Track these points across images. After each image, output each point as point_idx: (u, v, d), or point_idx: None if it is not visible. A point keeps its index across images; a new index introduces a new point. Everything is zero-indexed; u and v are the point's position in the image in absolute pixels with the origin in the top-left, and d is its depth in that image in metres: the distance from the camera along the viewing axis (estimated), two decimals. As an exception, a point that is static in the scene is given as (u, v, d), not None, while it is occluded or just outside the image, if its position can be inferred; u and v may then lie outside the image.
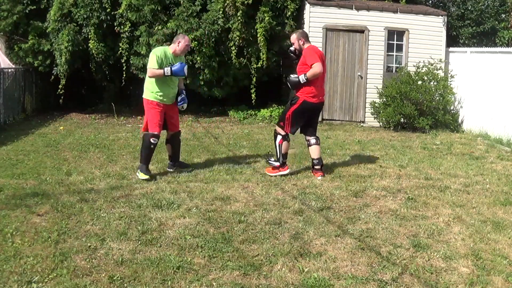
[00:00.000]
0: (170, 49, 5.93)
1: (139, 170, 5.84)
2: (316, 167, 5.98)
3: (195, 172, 6.11)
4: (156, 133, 5.89)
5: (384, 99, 10.48)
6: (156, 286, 3.19)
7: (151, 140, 5.87)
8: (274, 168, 6.02)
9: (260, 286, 3.23)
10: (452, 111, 10.78)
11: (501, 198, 5.26)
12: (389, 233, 4.18)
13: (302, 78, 5.70)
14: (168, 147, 6.36)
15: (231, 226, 4.26)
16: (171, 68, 5.71)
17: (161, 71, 5.73)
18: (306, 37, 5.94)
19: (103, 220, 4.31)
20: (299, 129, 6.04)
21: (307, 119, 5.95)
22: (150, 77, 5.85)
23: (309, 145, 6.01)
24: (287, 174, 5.97)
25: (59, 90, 10.79)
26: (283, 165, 6.00)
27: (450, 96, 10.40)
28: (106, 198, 4.95)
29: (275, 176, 5.92)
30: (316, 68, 5.59)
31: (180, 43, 5.89)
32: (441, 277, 3.39)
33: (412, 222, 4.46)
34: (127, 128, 9.96)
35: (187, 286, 3.19)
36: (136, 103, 12.39)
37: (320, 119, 10.96)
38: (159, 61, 5.75)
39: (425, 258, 3.69)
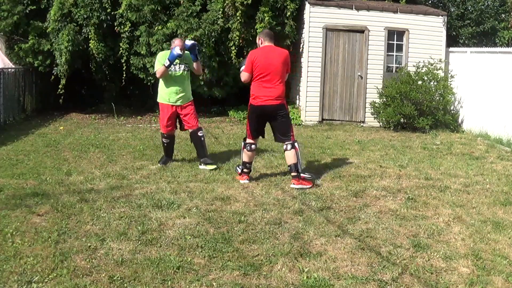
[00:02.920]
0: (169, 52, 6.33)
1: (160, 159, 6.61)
2: (292, 174, 5.58)
3: (195, 172, 6.11)
4: (164, 133, 6.51)
5: (384, 99, 10.48)
6: (156, 286, 3.19)
7: (163, 140, 6.60)
8: (238, 174, 5.85)
9: (260, 286, 3.23)
10: (452, 111, 10.78)
11: (501, 198, 5.26)
12: (389, 233, 4.18)
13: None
14: (193, 145, 6.67)
15: (231, 226, 4.26)
16: (168, 59, 6.11)
17: (162, 67, 6.18)
18: (265, 37, 5.66)
19: (103, 220, 4.31)
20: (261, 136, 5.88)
21: (261, 123, 5.72)
22: (158, 77, 6.37)
23: (283, 151, 5.73)
24: (243, 184, 5.60)
25: (59, 90, 10.78)
26: (242, 173, 5.74)
27: (450, 96, 10.40)
28: (106, 198, 4.95)
29: (240, 182, 5.67)
30: (241, 75, 5.69)
31: (172, 48, 6.24)
32: (441, 277, 3.39)
33: (412, 222, 4.46)
34: (127, 128, 9.96)
35: (187, 286, 3.19)
36: (136, 103, 12.43)
37: (320, 119, 10.99)
38: (162, 61, 6.22)
39: (425, 258, 3.69)
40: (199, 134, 6.44)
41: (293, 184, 5.53)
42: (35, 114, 11.39)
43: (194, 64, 6.42)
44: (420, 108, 10.01)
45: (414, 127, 10.09)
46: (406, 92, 9.98)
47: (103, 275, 3.30)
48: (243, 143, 5.81)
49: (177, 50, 6.07)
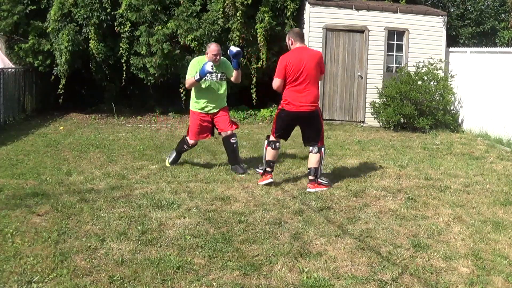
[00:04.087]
0: (205, 58, 6.04)
1: (168, 157, 6.43)
2: (310, 177, 5.43)
3: (195, 172, 6.11)
4: (191, 142, 6.23)
5: (384, 99, 10.48)
6: (156, 286, 3.19)
7: (184, 146, 6.30)
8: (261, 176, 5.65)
9: (260, 286, 3.23)
10: (452, 111, 10.78)
11: (501, 198, 5.26)
12: (389, 233, 4.18)
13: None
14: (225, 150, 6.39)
15: (231, 226, 4.26)
16: (198, 73, 5.79)
17: (192, 78, 5.89)
18: (296, 37, 5.38)
19: (103, 220, 4.31)
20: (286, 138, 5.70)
21: (290, 127, 5.57)
22: (187, 88, 6.16)
23: (309, 152, 5.56)
24: (268, 184, 5.47)
25: (59, 90, 10.79)
26: (265, 173, 5.55)
27: (450, 96, 10.40)
28: (106, 198, 4.95)
29: (262, 184, 5.50)
30: (273, 83, 5.39)
31: (207, 53, 5.98)
32: (441, 277, 3.39)
33: (412, 222, 4.46)
34: (127, 128, 9.96)
35: (187, 286, 3.19)
36: (136, 103, 12.43)
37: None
38: (195, 70, 5.91)
39: (425, 258, 3.69)
40: (232, 140, 6.12)
41: (309, 188, 5.35)
42: (35, 114, 11.40)
43: (234, 73, 6.11)
44: (420, 108, 10.01)
45: (414, 127, 10.09)
46: (406, 92, 9.98)
47: (103, 275, 3.30)
48: (266, 141, 5.62)
49: (208, 67, 5.69)
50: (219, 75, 6.06)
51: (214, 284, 3.23)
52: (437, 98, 10.30)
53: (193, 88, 6.10)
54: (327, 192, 5.32)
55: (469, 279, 3.35)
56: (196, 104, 6.11)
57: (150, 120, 11.23)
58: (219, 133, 6.28)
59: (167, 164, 6.34)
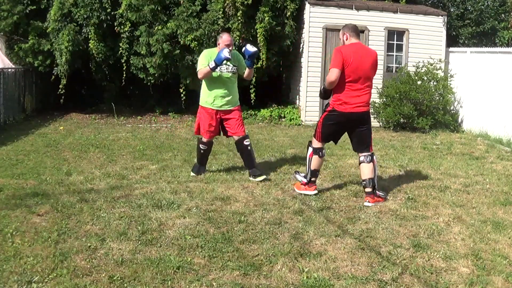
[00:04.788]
0: (216, 49, 5.77)
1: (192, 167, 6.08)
2: (367, 190, 4.97)
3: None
4: (204, 140, 5.91)
5: (384, 99, 10.49)
6: (156, 286, 3.18)
7: (200, 146, 5.96)
8: (300, 185, 5.26)
9: (260, 286, 3.23)
10: (452, 111, 10.78)
11: (501, 198, 5.26)
12: (389, 233, 4.18)
13: (323, 86, 5.06)
14: (239, 156, 6.09)
15: (231, 226, 4.26)
16: (214, 61, 5.49)
17: (207, 67, 5.56)
18: (352, 32, 4.94)
19: (103, 220, 4.31)
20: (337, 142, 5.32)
21: (340, 131, 5.16)
22: (200, 78, 5.77)
23: (359, 162, 5.11)
24: (312, 195, 5.12)
25: (59, 90, 10.79)
26: (310, 183, 5.17)
27: (450, 96, 10.41)
28: (106, 198, 4.95)
29: (300, 193, 5.17)
30: (330, 74, 4.82)
31: (219, 44, 5.75)
32: (441, 277, 3.39)
33: (412, 222, 4.46)
34: (127, 128, 9.96)
35: (187, 286, 3.19)
36: (136, 103, 12.43)
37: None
38: (206, 60, 5.62)
39: (425, 258, 3.69)
40: (245, 143, 5.82)
41: (368, 202, 4.89)
42: (35, 114, 11.40)
43: (247, 70, 5.84)
44: (420, 108, 10.02)
45: (414, 127, 10.09)
46: (405, 92, 9.98)
47: (103, 275, 3.30)
48: (311, 149, 5.14)
49: (225, 53, 5.41)
50: (230, 66, 5.76)
51: (214, 284, 3.23)
52: (437, 98, 10.31)
53: (204, 83, 5.81)
54: (327, 192, 5.32)
55: (469, 279, 3.35)
56: (207, 99, 5.77)
57: (150, 120, 11.23)
58: (228, 136, 6.05)
59: (192, 174, 5.96)
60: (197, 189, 5.36)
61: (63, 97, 10.89)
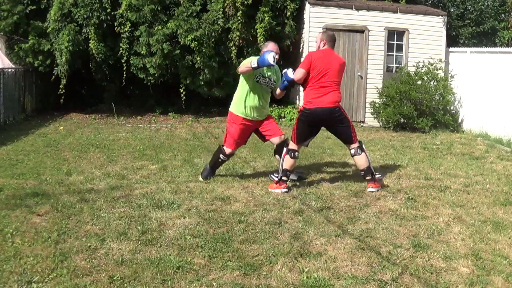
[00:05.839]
0: None
1: (203, 171, 5.80)
2: (367, 178, 5.38)
3: (195, 172, 6.10)
4: (229, 151, 5.65)
5: (384, 99, 10.49)
6: (156, 286, 3.18)
7: (221, 156, 5.67)
8: (272, 184, 5.46)
9: (260, 286, 3.23)
10: (452, 111, 10.79)
11: (501, 198, 5.26)
12: (389, 233, 4.18)
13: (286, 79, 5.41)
14: (278, 158, 5.74)
15: (231, 226, 4.26)
16: (257, 60, 5.19)
17: (248, 64, 5.27)
18: (328, 40, 5.37)
19: (103, 220, 4.31)
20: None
21: (312, 130, 5.44)
22: (239, 72, 5.47)
23: (351, 155, 5.48)
24: (281, 193, 5.24)
25: (60, 90, 10.79)
26: (280, 181, 5.35)
27: (450, 96, 10.41)
28: (106, 198, 4.95)
29: (273, 192, 5.29)
30: (296, 74, 5.29)
31: (264, 52, 5.37)
32: (441, 277, 3.39)
33: (412, 222, 4.46)
34: (127, 128, 9.96)
35: (187, 286, 3.19)
36: (136, 103, 12.43)
37: (320, 119, 10.98)
38: (250, 62, 5.35)
39: (425, 258, 3.69)
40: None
41: (371, 187, 5.33)
42: (35, 114, 11.40)
43: (278, 90, 5.63)
44: (420, 108, 10.02)
45: (414, 127, 10.09)
46: (406, 92, 9.99)
47: (103, 275, 3.29)
48: (285, 149, 5.39)
49: (270, 58, 5.08)
50: (271, 82, 5.57)
51: (214, 284, 3.23)
52: (437, 98, 10.31)
53: (241, 90, 5.55)
54: (327, 192, 5.32)
55: (469, 279, 3.35)
56: (241, 108, 5.52)
57: (150, 120, 11.23)
58: (266, 141, 5.84)
59: (200, 179, 5.74)
60: (197, 189, 5.36)
61: (63, 97, 10.90)
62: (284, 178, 5.35)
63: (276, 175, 5.50)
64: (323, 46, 5.39)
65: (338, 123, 5.41)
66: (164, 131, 9.60)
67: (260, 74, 5.47)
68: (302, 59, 10.86)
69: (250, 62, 5.26)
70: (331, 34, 5.49)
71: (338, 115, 5.36)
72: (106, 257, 3.57)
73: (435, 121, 10.08)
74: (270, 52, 5.17)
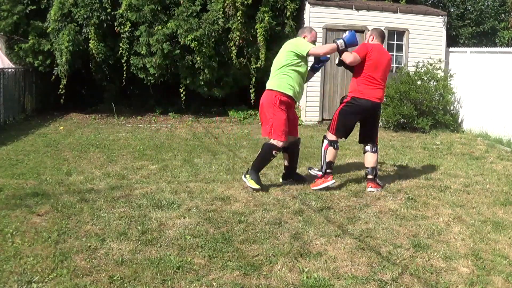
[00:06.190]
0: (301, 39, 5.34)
1: (249, 177, 5.23)
2: (369, 176, 5.45)
3: (195, 172, 6.11)
4: (282, 143, 5.19)
5: (384, 99, 10.48)
6: (156, 286, 3.18)
7: (274, 153, 5.25)
8: (317, 180, 5.39)
9: (260, 286, 3.23)
10: (452, 111, 10.78)
11: (501, 198, 5.26)
12: (389, 233, 4.18)
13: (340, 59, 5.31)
14: (286, 156, 5.57)
15: (231, 226, 4.26)
16: (343, 39, 5.11)
17: (333, 44, 5.13)
18: (378, 35, 5.43)
19: (103, 220, 4.31)
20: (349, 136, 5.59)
21: (354, 122, 5.47)
22: (322, 54, 5.25)
23: (363, 152, 5.60)
24: (332, 186, 5.35)
25: (60, 90, 10.80)
26: (326, 174, 5.35)
27: (450, 96, 10.41)
28: (106, 198, 4.95)
29: (319, 189, 5.29)
30: (349, 57, 5.17)
31: (306, 37, 5.33)
32: (441, 277, 3.39)
33: (412, 222, 4.46)
34: (127, 128, 9.96)
35: (187, 286, 3.19)
36: (136, 103, 12.43)
37: (320, 119, 10.99)
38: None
39: (425, 258, 3.69)
40: (299, 146, 5.66)
41: (371, 187, 5.38)
42: (35, 114, 11.40)
43: (311, 73, 5.55)
44: (420, 108, 10.02)
45: (414, 127, 10.09)
46: (405, 92, 9.98)
47: (103, 275, 3.29)
48: (326, 141, 5.36)
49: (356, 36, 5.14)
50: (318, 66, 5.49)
51: (214, 284, 3.23)
52: (437, 98, 10.31)
53: (293, 71, 5.15)
54: (327, 192, 5.32)
55: (469, 279, 3.35)
56: (293, 88, 5.16)
57: (150, 120, 11.23)
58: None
59: (256, 186, 5.20)
60: (197, 189, 5.36)
61: (63, 97, 10.90)
62: (329, 170, 5.37)
63: (317, 170, 5.47)
64: (372, 41, 5.45)
65: (375, 120, 5.58)
66: (164, 131, 9.60)
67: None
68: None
69: (335, 43, 5.13)
70: (380, 30, 5.57)
71: (378, 112, 5.59)
72: (106, 257, 3.57)
73: (435, 121, 10.08)
74: (354, 32, 5.25)
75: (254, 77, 11.01)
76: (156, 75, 10.84)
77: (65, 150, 7.49)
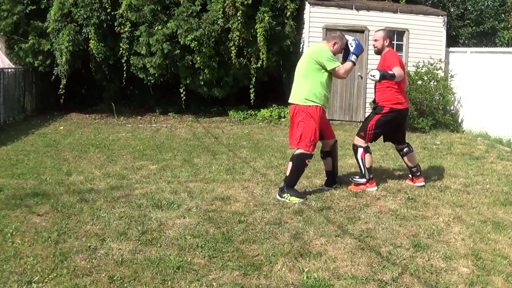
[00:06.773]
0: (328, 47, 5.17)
1: (288, 196, 4.96)
2: (417, 173, 5.67)
3: (195, 172, 6.11)
4: (312, 153, 5.07)
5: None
6: (156, 286, 3.18)
7: (306, 162, 5.07)
8: (359, 185, 5.45)
9: (260, 286, 3.23)
10: (452, 111, 10.78)
11: (501, 198, 5.26)
12: (389, 233, 4.18)
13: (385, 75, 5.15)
14: (327, 162, 5.46)
15: (231, 226, 4.26)
16: (353, 53, 5.07)
17: (349, 63, 5.08)
18: (391, 39, 5.61)
19: (103, 220, 4.31)
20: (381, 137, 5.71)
21: (391, 128, 5.54)
22: (345, 77, 5.16)
23: (403, 154, 5.67)
24: (375, 190, 5.41)
25: (59, 90, 10.80)
26: (370, 180, 5.47)
27: (450, 96, 10.40)
28: (106, 198, 4.95)
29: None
30: (398, 72, 5.22)
31: (337, 44, 5.18)
32: (441, 277, 3.39)
33: (412, 222, 4.46)
34: (127, 128, 9.96)
35: (187, 286, 3.19)
36: (136, 103, 12.43)
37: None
38: (334, 58, 5.06)
39: (425, 258, 3.69)
40: (337, 149, 5.55)
41: (422, 182, 5.66)
42: (35, 114, 11.40)
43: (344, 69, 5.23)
44: (420, 108, 10.01)
45: (414, 127, 10.08)
46: (406, 92, 9.97)
47: (103, 275, 3.30)
48: (362, 149, 5.43)
49: (359, 42, 5.13)
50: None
51: (214, 284, 3.23)
52: (437, 98, 10.30)
53: (311, 83, 4.99)
54: (327, 192, 5.32)
55: (469, 279, 3.35)
56: (319, 98, 4.99)
57: (150, 120, 11.23)
58: (324, 140, 5.34)
59: (300, 199, 4.95)
60: (197, 189, 5.36)
61: (63, 97, 10.90)
62: (371, 176, 5.51)
63: (357, 178, 5.51)
64: (388, 46, 5.57)
65: (405, 124, 5.81)
66: (164, 131, 9.60)
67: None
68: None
69: (350, 62, 5.11)
70: (391, 34, 5.63)
71: (407, 117, 5.85)
72: (106, 257, 3.57)
73: (435, 121, 10.07)
74: (354, 39, 5.26)
75: (254, 77, 11.01)
76: (156, 75, 10.84)
77: (65, 150, 7.49)
